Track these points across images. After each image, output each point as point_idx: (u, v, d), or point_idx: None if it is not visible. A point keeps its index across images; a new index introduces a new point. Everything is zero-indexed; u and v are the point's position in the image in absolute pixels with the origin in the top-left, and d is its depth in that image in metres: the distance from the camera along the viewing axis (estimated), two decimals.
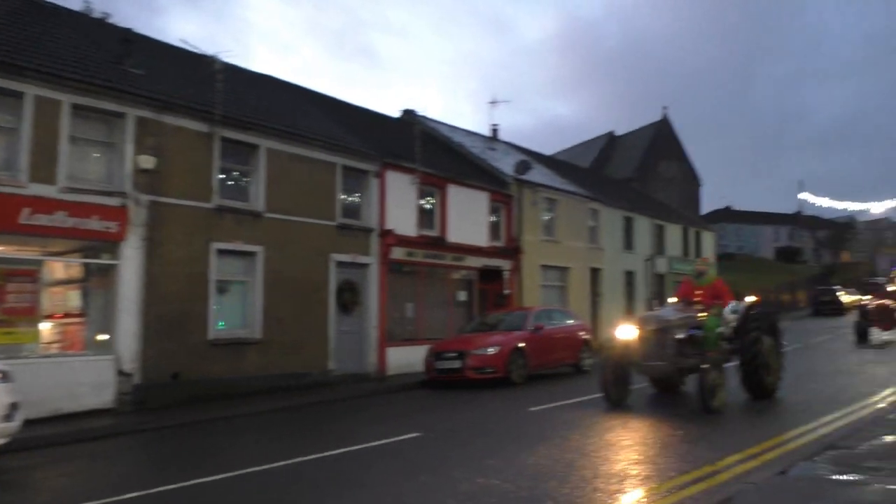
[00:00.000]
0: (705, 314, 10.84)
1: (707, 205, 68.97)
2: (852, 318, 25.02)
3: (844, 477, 5.78)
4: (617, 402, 10.86)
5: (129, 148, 12.88)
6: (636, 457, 7.33)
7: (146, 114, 13.17)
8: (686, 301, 11.41)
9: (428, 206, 20.06)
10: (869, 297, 24.43)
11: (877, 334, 22.84)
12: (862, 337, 22.63)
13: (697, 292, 11.34)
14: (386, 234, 17.84)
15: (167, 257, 13.26)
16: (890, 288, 26.01)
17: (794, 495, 5.40)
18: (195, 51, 16.09)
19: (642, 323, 10.95)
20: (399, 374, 17.39)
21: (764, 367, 10.83)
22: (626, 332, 10.97)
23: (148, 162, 12.97)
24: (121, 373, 12.38)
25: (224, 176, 14.78)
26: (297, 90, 20.80)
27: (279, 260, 15.28)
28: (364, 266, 17.50)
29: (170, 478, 7.13)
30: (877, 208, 45.41)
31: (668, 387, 12.31)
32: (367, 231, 17.64)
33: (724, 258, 56.01)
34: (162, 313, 13.08)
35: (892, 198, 70.64)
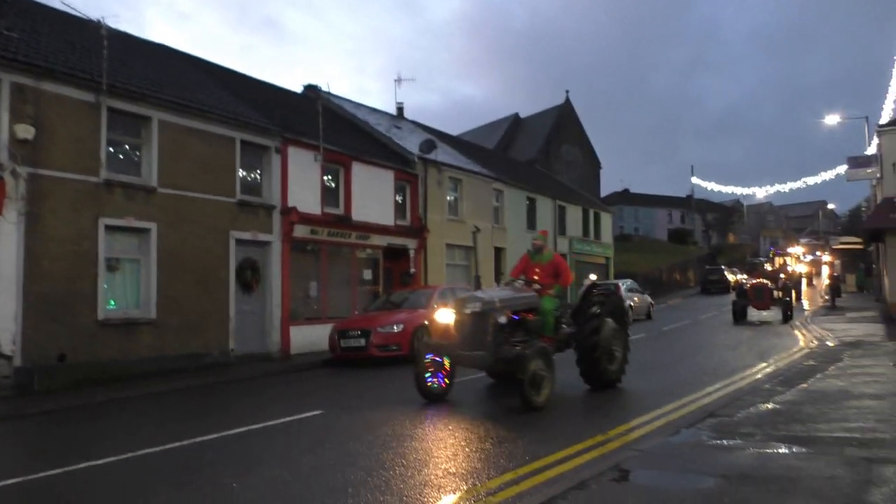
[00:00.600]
0: (549, 293, 9.67)
1: (606, 187, 71.38)
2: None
3: (723, 442, 6.17)
4: (435, 396, 9.26)
5: (4, 116, 11.96)
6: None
7: (23, 80, 12.25)
8: (524, 280, 9.97)
9: (332, 184, 19.75)
10: (746, 276, 25.37)
11: (755, 313, 23.57)
12: (740, 316, 23.13)
13: (536, 270, 10.04)
14: (288, 211, 17.44)
15: (50, 233, 12.46)
16: (768, 268, 27.02)
17: (678, 460, 5.72)
18: (79, 15, 15.11)
19: (460, 305, 9.04)
20: (303, 354, 17.15)
21: (607, 354, 9.71)
22: (445, 316, 9.39)
23: (26, 132, 12.09)
24: None
25: (113, 149, 13.99)
26: (193, 61, 19.92)
27: (175, 237, 14.66)
28: (266, 244, 17.06)
29: (55, 462, 6.73)
30: (760, 193, 48.53)
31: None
32: (269, 208, 17.18)
33: (621, 239, 58.35)
34: (45, 292, 12.29)
35: (773, 183, 75.52)
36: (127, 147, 14.36)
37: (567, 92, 64.29)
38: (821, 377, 9.89)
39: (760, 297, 22.87)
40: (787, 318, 22.13)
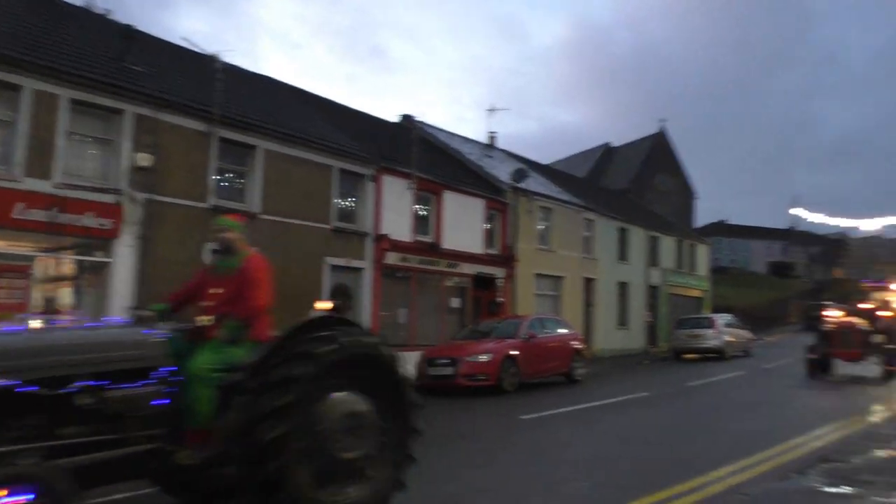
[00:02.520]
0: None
1: (702, 218, 69.22)
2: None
3: (840, 490, 5.77)
4: None
5: (127, 145, 12.84)
6: None
7: (144, 111, 13.14)
8: (191, 304, 5.28)
9: (423, 212, 20.04)
10: (832, 312, 18.64)
11: (842, 366, 17.38)
12: (819, 368, 17.05)
13: (212, 291, 5.13)
14: (380, 238, 17.80)
15: (161, 256, 13.19)
16: (862, 305, 19.45)
17: None
18: (196, 49, 16.09)
19: None
20: None
21: (320, 470, 4.43)
22: None
23: (145, 160, 12.93)
24: None
25: (220, 176, 14.74)
26: (296, 92, 20.81)
27: (274, 262, 15.09)
28: (358, 270, 17.45)
29: None
30: (867, 225, 45.59)
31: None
32: (362, 235, 17.60)
33: (717, 272, 56.22)
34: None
35: (885, 215, 71.09)
36: (233, 174, 15.10)
37: (662, 121, 63.12)
38: None
39: (849, 343, 16.82)
40: (890, 374, 16.16)
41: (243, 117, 15.10)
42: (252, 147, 15.14)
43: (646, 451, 8.21)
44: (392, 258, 18.22)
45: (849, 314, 18.07)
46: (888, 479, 5.99)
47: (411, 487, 6.45)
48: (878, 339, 16.83)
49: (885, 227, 51.98)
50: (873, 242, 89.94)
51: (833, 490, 5.72)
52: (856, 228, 47.16)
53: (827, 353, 17.05)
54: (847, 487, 5.75)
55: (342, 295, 16.95)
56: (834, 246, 74.00)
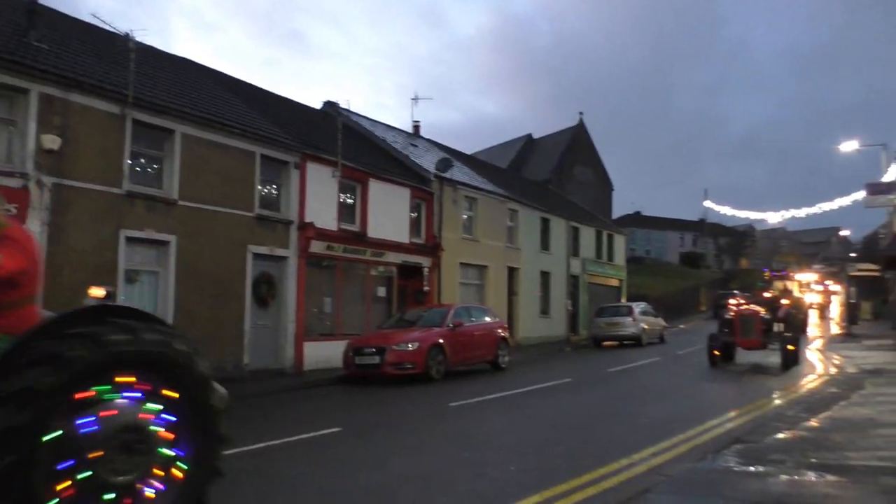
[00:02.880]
0: None
1: (618, 209, 71.24)
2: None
3: (753, 468, 6.07)
4: None
5: (32, 126, 12.09)
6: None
7: (52, 91, 12.39)
8: None
9: (349, 201, 19.81)
10: (735, 300, 18.45)
11: (743, 354, 17.25)
12: (721, 357, 16.60)
13: None
14: (305, 226, 17.49)
15: (72, 244, 12.52)
16: (765, 294, 19.73)
17: (708, 486, 5.62)
18: (107, 27, 15.29)
19: None
20: (316, 370, 17.10)
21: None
22: None
23: (52, 142, 12.21)
24: None
25: (136, 161, 14.10)
26: (216, 75, 20.12)
27: (193, 250, 14.72)
28: (282, 259, 17.09)
29: None
30: (774, 218, 48.05)
31: None
32: (286, 223, 17.24)
33: (632, 261, 58.11)
34: (65, 303, 12.30)
35: (790, 208, 74.97)
36: (149, 159, 14.47)
37: (581, 114, 64.59)
38: (845, 405, 9.74)
39: (749, 331, 16.24)
40: (789, 362, 15.44)
41: (159, 100, 14.48)
42: (169, 131, 14.54)
43: (571, 436, 8.42)
44: (317, 247, 17.93)
45: (750, 303, 17.89)
46: (797, 458, 6.33)
47: (339, 478, 6.40)
48: (778, 327, 16.60)
49: (786, 219, 54.96)
50: (776, 234, 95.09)
51: (747, 469, 6.01)
52: (763, 221, 49.54)
53: (728, 341, 16.69)
54: (760, 466, 6.05)
55: (266, 284, 16.60)
56: (741, 237, 77.80)
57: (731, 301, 18.32)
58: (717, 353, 16.54)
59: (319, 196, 18.22)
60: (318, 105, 25.27)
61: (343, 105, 24.90)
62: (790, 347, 15.54)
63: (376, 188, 20.51)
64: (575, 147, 58.30)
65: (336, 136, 18.99)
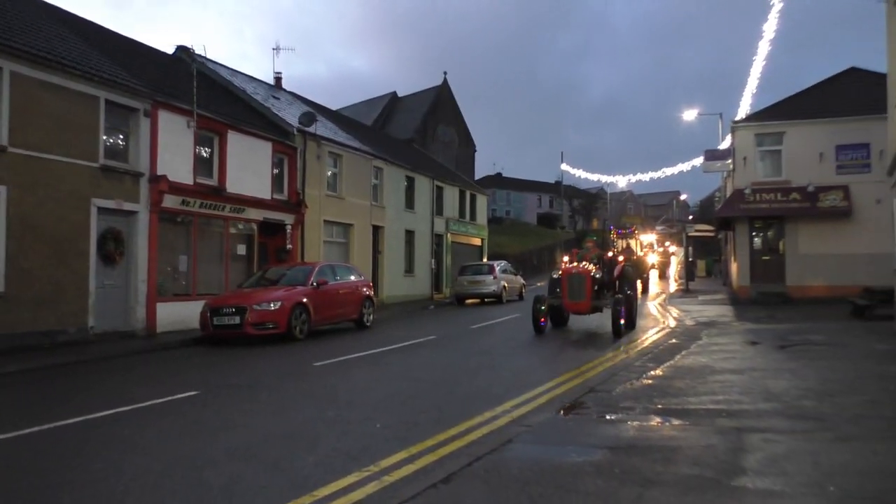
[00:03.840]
0: None
1: (480, 170, 72.82)
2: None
3: (606, 416, 6.44)
4: None
5: None
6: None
7: None
8: None
9: (205, 153, 18.74)
10: (569, 257, 16.11)
11: (574, 319, 16.22)
12: (552, 319, 15.41)
13: None
14: (157, 179, 16.36)
15: None
16: (606, 253, 17.03)
17: (566, 434, 5.91)
18: None
19: None
20: (171, 332, 16.24)
21: None
22: None
23: None
24: None
25: None
26: (49, 9, 18.11)
27: (28, 202, 13.37)
28: (131, 214, 15.93)
29: None
30: (622, 182, 51.31)
31: None
32: (136, 175, 16.04)
33: (493, 221, 59.78)
34: None
35: (637, 172, 79.84)
36: None
37: (445, 73, 64.78)
38: (685, 354, 10.61)
39: (578, 294, 14.37)
40: (620, 326, 13.63)
41: None
42: None
43: (436, 390, 8.57)
44: (171, 201, 16.86)
45: (581, 261, 15.30)
46: (644, 405, 6.82)
47: (197, 441, 6.13)
48: (613, 292, 15.38)
49: (633, 183, 58.64)
50: (625, 197, 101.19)
51: (601, 417, 6.39)
52: (614, 184, 52.60)
53: (557, 304, 15.08)
54: (613, 414, 6.46)
55: (113, 240, 15.44)
56: (593, 199, 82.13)
57: (565, 258, 16.30)
58: (543, 321, 14.69)
59: (173, 147, 17.08)
60: (170, 51, 23.52)
61: (199, 52, 23.36)
62: (621, 312, 13.66)
63: (236, 141, 19.53)
64: (439, 106, 58.60)
65: (191, 84, 17.80)
